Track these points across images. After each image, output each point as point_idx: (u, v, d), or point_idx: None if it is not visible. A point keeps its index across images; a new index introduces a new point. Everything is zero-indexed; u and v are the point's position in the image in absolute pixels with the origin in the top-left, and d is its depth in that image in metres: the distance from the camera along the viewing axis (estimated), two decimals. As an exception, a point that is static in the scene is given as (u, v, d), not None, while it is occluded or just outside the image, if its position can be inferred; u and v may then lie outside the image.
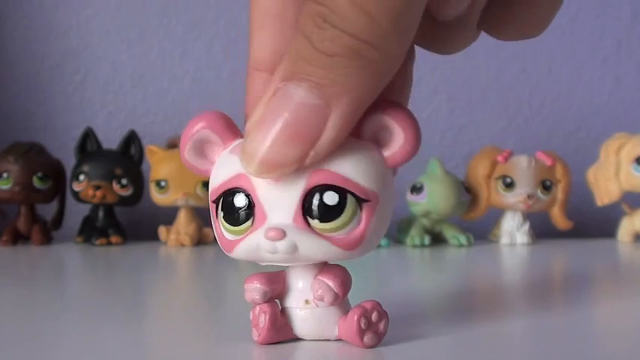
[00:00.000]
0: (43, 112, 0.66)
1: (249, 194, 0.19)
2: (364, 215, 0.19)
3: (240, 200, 0.19)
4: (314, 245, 0.19)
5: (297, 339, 0.21)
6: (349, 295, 0.21)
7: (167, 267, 0.46)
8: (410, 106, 0.21)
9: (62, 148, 0.61)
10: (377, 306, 0.21)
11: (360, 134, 0.20)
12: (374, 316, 0.20)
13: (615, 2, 0.75)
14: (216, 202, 0.20)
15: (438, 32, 0.21)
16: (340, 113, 0.17)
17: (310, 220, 0.19)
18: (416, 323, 0.25)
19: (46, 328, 0.24)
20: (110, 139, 0.59)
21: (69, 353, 0.21)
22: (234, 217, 0.20)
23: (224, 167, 0.20)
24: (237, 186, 0.19)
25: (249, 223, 0.19)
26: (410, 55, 0.21)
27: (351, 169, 0.19)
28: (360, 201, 0.19)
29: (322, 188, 0.19)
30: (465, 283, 0.39)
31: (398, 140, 0.20)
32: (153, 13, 0.68)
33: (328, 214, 0.19)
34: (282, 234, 0.19)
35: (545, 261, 0.50)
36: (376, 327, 0.21)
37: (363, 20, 0.16)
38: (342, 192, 0.19)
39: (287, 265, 0.21)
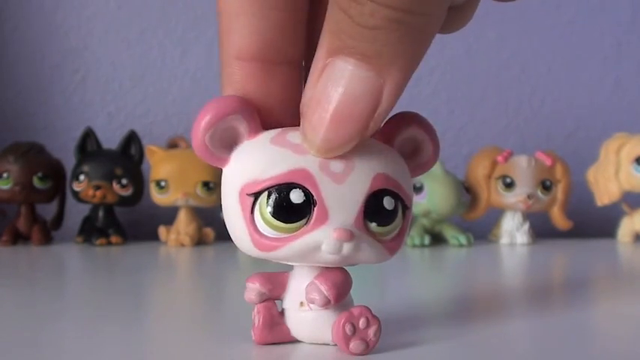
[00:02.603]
0: (43, 112, 0.66)
1: (310, 192, 0.18)
2: (405, 221, 0.20)
3: (297, 197, 0.18)
4: (372, 248, 0.19)
5: (296, 341, 0.21)
6: (355, 299, 0.21)
7: (167, 267, 0.46)
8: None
9: (62, 148, 0.61)
10: (366, 312, 0.20)
11: (393, 144, 0.20)
12: (361, 323, 0.20)
13: (615, 2, 0.75)
14: (256, 195, 0.19)
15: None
16: (393, 82, 0.17)
17: (368, 223, 0.19)
18: (416, 324, 0.25)
19: (46, 328, 0.24)
20: (110, 139, 0.59)
21: (69, 353, 0.21)
22: (288, 213, 0.18)
23: (266, 159, 0.19)
24: (296, 182, 0.18)
25: (303, 221, 0.19)
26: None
27: (401, 177, 0.19)
28: (404, 208, 0.20)
29: (382, 192, 0.19)
30: (465, 283, 0.39)
31: (426, 152, 0.20)
32: (153, 13, 0.68)
33: (386, 218, 0.19)
34: (351, 235, 0.18)
35: (545, 261, 0.50)
36: (364, 334, 0.20)
37: None
38: (396, 197, 0.19)
39: (324, 265, 0.20)
